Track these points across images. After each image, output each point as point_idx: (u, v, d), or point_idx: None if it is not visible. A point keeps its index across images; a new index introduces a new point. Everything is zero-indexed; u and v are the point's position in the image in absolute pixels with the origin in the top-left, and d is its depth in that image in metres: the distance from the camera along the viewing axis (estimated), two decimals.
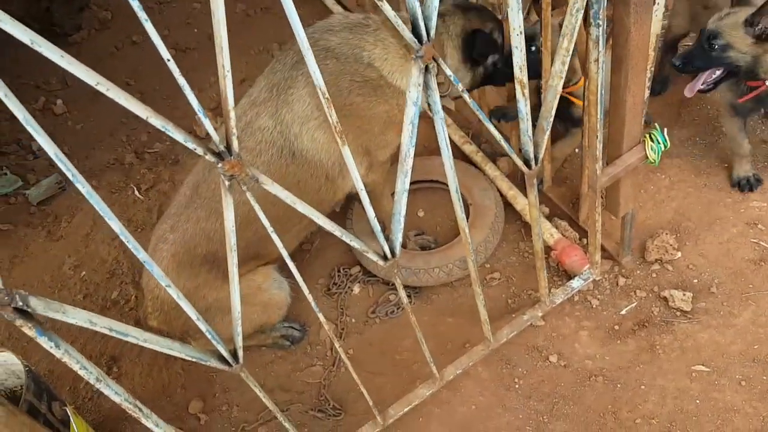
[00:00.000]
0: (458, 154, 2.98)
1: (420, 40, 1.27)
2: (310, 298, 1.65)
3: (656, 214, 2.63)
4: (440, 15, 2.24)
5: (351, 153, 2.19)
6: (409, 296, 2.67)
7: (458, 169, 2.88)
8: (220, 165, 1.19)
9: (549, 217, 2.73)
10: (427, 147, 2.95)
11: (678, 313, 2.36)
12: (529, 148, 1.67)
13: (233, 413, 2.47)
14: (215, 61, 1.12)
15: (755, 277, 2.37)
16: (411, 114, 1.40)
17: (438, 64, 1.33)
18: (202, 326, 1.39)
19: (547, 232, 2.60)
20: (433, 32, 1.27)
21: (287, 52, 2.14)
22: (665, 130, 1.96)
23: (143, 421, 1.44)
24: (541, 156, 1.69)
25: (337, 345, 1.80)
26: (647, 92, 1.86)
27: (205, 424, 2.45)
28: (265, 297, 2.37)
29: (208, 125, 1.13)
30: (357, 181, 1.40)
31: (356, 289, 2.74)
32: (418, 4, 1.22)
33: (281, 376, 2.53)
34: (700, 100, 2.95)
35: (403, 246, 2.76)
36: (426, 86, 1.37)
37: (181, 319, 2.17)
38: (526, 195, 1.95)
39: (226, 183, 1.23)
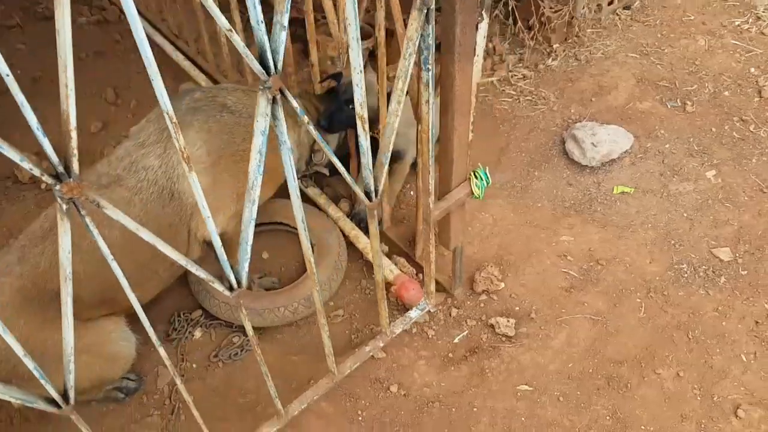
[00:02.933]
0: (303, 197, 3.03)
1: (268, 72, 1.32)
2: (154, 338, 1.58)
3: (482, 249, 2.88)
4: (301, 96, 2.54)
5: (225, 197, 2.30)
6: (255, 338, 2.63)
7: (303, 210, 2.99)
8: (57, 187, 1.14)
9: (388, 255, 2.87)
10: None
11: (503, 339, 2.58)
12: (370, 181, 1.77)
13: None
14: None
15: (567, 302, 2.67)
16: (258, 143, 1.44)
17: (284, 96, 1.39)
18: (29, 363, 1.28)
19: (387, 268, 2.73)
20: (280, 65, 1.33)
21: (180, 100, 2.28)
22: (487, 168, 2.19)
23: None
24: (381, 189, 1.80)
25: (179, 383, 1.73)
26: (471, 134, 2.07)
27: None
28: (114, 349, 2.24)
29: (46, 145, 1.08)
30: (208, 221, 1.40)
31: (197, 333, 2.66)
32: (266, 37, 1.28)
33: (115, 430, 2.35)
34: (516, 148, 3.32)
35: (248, 288, 2.74)
36: (273, 117, 1.42)
37: (10, 363, 1.97)
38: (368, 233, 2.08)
39: (63, 207, 1.17)
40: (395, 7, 2.05)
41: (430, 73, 1.68)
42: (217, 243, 1.52)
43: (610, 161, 3.16)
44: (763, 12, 3.97)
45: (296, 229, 2.87)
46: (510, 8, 3.73)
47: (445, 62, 1.81)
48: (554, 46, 3.82)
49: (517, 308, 2.68)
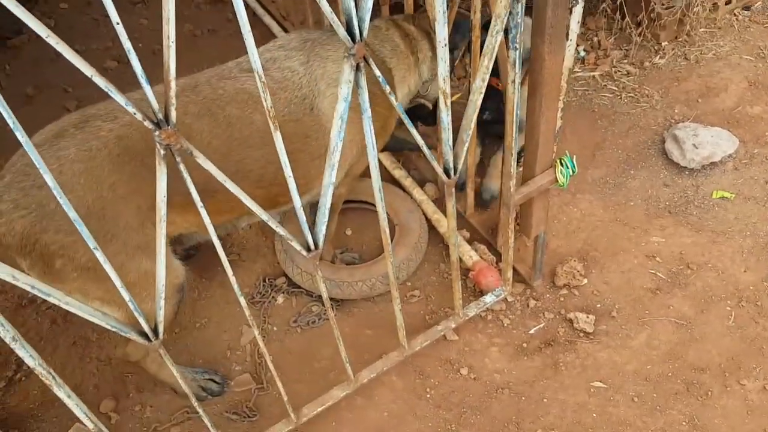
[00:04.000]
0: (388, 178, 3.12)
1: (353, 39, 1.39)
2: (241, 298, 1.70)
3: (567, 243, 2.83)
4: (410, 22, 2.46)
5: (352, 140, 2.19)
6: (331, 308, 2.73)
7: (387, 191, 3.06)
8: (156, 133, 1.26)
9: (469, 242, 2.88)
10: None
11: (581, 334, 2.53)
12: (449, 158, 1.81)
13: (146, 413, 2.44)
14: (157, 74, 1.20)
15: (651, 304, 2.58)
16: (341, 109, 1.51)
17: (368, 64, 1.45)
18: (125, 295, 1.42)
19: (466, 254, 2.75)
20: (366, 33, 1.39)
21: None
22: (575, 157, 2.16)
23: (55, 389, 1.44)
24: (459, 166, 1.83)
25: (261, 344, 1.85)
26: (560, 120, 2.05)
27: (116, 424, 2.41)
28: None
29: (149, 92, 1.20)
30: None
31: (280, 299, 2.79)
32: (353, 4, 1.35)
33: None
34: (612, 144, 3.23)
35: (332, 261, 2.86)
36: (357, 84, 1.48)
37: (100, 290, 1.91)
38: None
39: (161, 152, 1.29)
40: None
41: (518, 52, 1.69)
42: (298, 204, 1.60)
43: (711, 164, 3.00)
44: None
45: None
46: (618, 3, 3.61)
47: (535, 44, 1.81)
48: (663, 43, 3.67)
49: (599, 305, 2.62)
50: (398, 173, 3.13)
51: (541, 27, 1.74)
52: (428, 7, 2.44)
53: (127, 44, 1.13)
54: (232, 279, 1.67)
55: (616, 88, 3.53)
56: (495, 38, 1.63)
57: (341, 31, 1.37)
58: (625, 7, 3.65)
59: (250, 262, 2.90)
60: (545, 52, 1.79)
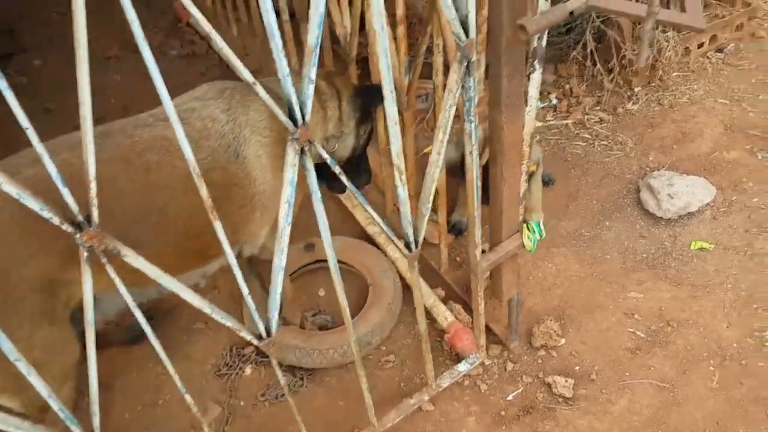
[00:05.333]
0: (362, 234, 3.04)
1: (295, 123, 1.32)
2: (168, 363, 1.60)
3: (543, 300, 2.75)
4: (323, 78, 2.39)
5: (277, 194, 2.14)
6: (302, 378, 2.63)
7: (360, 249, 2.98)
8: (78, 236, 1.17)
9: (445, 300, 2.79)
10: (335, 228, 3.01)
11: (560, 399, 2.42)
12: (409, 231, 1.73)
13: None
14: None
15: (631, 365, 2.49)
16: (287, 193, 1.43)
17: (313, 146, 1.38)
18: (41, 388, 1.31)
19: (441, 315, 2.65)
20: (308, 117, 1.33)
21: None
22: (541, 221, 2.09)
23: None
24: (420, 239, 1.76)
25: None
26: (524, 184, 1.98)
27: None
28: None
29: (66, 195, 1.12)
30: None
31: (248, 370, 2.67)
32: (293, 89, 1.28)
33: None
34: (586, 195, 3.17)
35: (301, 326, 2.75)
36: (303, 167, 1.41)
37: None
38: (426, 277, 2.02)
39: (84, 254, 1.21)
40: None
41: (473, 125, 1.63)
42: (245, 291, 1.52)
43: (689, 214, 2.94)
44: None
45: (352, 267, 2.91)
46: (589, 50, 3.61)
47: (492, 114, 1.75)
48: (635, 89, 3.65)
49: (577, 368, 2.52)
50: (372, 229, 3.05)
51: (496, 97, 1.69)
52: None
53: (39, 147, 1.05)
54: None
55: (589, 136, 3.49)
56: (448, 112, 1.56)
57: (282, 117, 1.31)
58: (596, 54, 3.65)
59: (216, 330, 2.79)
60: (503, 121, 1.73)
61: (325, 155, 1.44)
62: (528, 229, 2.06)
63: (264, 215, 2.23)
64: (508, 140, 1.79)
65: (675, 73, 3.70)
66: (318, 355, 2.58)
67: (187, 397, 1.62)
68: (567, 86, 3.78)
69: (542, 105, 3.73)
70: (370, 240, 3.03)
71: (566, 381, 2.46)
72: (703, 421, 2.29)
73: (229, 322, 1.52)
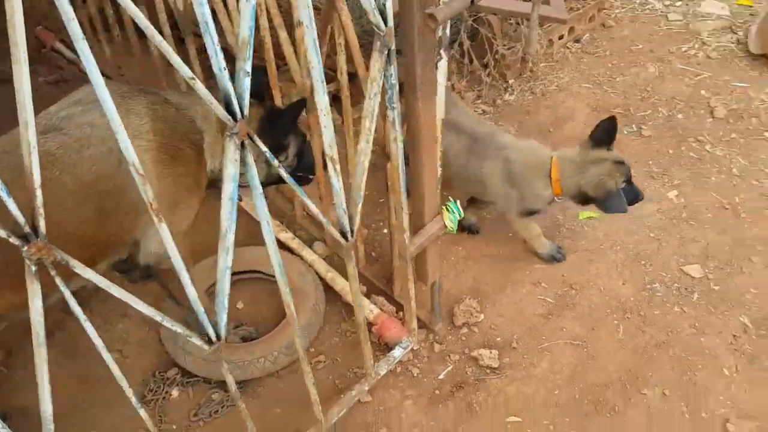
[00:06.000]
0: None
1: (234, 118, 1.33)
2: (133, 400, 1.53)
3: (458, 282, 2.89)
4: None
5: (162, 198, 2.00)
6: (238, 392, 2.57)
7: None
8: (25, 249, 1.11)
9: (367, 295, 2.85)
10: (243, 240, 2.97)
11: (488, 371, 2.56)
12: (345, 221, 1.78)
13: None
14: None
15: (546, 329, 2.68)
16: (229, 190, 1.43)
17: (253, 141, 1.40)
18: None
19: (366, 308, 2.71)
20: (246, 110, 1.34)
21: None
22: (458, 201, 2.21)
23: None
24: (356, 228, 1.81)
25: None
26: (440, 169, 2.10)
27: None
28: None
29: (11, 205, 1.06)
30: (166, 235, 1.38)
31: (175, 392, 2.57)
32: (230, 83, 1.29)
33: None
34: None
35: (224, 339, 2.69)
36: (243, 162, 1.42)
37: None
38: (344, 274, 2.07)
39: (32, 269, 1.14)
40: (356, 50, 2.10)
41: (396, 111, 1.71)
42: (192, 294, 1.49)
43: None
44: (708, 37, 4.16)
45: (270, 275, 2.89)
46: (465, 48, 3.84)
47: (409, 101, 1.84)
48: (510, 81, 3.93)
49: (499, 339, 2.68)
50: (284, 236, 3.05)
51: (413, 85, 1.78)
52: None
53: None
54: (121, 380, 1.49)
55: None
56: (373, 100, 1.64)
57: (221, 112, 1.31)
58: (471, 52, 3.89)
59: (135, 357, 2.67)
60: (420, 108, 1.83)
61: (264, 149, 1.45)
62: (447, 210, 2.18)
63: (151, 222, 2.16)
64: (425, 126, 1.89)
65: (543, 64, 4.04)
66: (248, 365, 2.55)
67: None
68: (449, 83, 3.98)
69: None
70: (282, 247, 3.03)
71: (491, 353, 2.60)
72: (617, 371, 2.52)
73: (179, 328, 1.48)
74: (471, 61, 3.94)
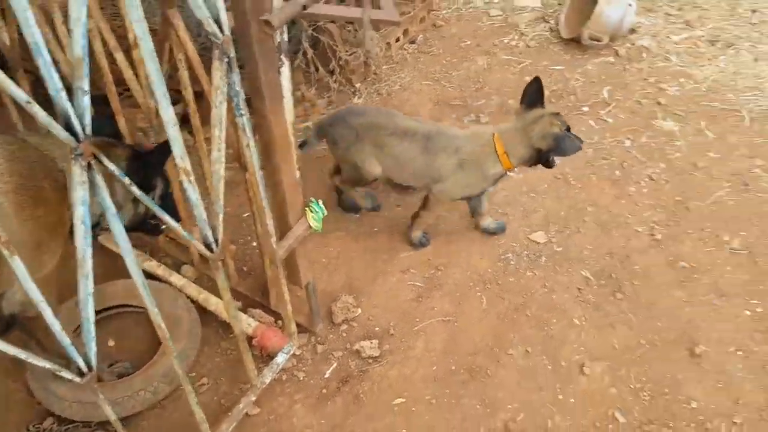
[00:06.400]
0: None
1: (77, 138, 1.31)
2: None
3: (332, 281, 2.97)
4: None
5: (23, 242, 1.93)
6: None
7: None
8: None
9: (243, 310, 2.84)
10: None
11: (370, 360, 2.67)
12: (208, 233, 1.79)
13: None
14: None
15: (418, 311, 2.84)
16: (80, 214, 1.40)
17: (100, 161, 1.38)
18: None
19: (244, 322, 2.71)
20: (88, 129, 1.32)
21: None
22: (321, 201, 2.30)
23: None
24: (220, 238, 1.82)
25: None
26: (298, 172, 2.17)
27: None
28: None
29: None
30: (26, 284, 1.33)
31: None
32: (69, 103, 1.27)
33: None
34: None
35: (99, 380, 2.57)
36: (92, 184, 1.40)
37: None
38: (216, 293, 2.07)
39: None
40: (197, 64, 2.11)
41: (245, 117, 1.76)
42: (56, 327, 1.44)
43: None
44: (525, 28, 4.59)
45: (139, 308, 2.80)
46: (309, 57, 3.94)
47: (257, 107, 1.90)
48: (357, 85, 4.09)
49: (377, 329, 2.79)
50: (149, 264, 2.97)
51: (259, 92, 1.84)
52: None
53: None
54: None
55: None
56: (219, 108, 1.67)
57: (62, 134, 1.29)
58: (316, 60, 4.00)
59: (2, 413, 2.47)
60: (269, 113, 1.89)
61: (113, 167, 1.44)
62: (310, 210, 2.25)
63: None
64: (277, 130, 1.95)
65: (385, 66, 4.24)
66: (129, 400, 2.46)
67: None
68: (299, 93, 4.06)
69: None
70: (150, 276, 2.94)
71: (371, 343, 2.71)
72: (485, 338, 2.72)
73: (47, 364, 1.43)
74: (317, 69, 4.05)
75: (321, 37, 3.94)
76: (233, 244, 3.11)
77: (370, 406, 2.52)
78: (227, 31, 1.57)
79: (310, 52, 3.93)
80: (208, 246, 1.82)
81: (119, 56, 2.34)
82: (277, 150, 1.98)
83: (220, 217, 1.81)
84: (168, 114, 1.51)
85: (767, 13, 4.56)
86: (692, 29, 4.44)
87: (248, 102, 1.84)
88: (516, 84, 4.09)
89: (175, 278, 2.91)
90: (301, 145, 3.13)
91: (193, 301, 2.83)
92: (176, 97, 3.43)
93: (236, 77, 1.67)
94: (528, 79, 4.07)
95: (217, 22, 1.54)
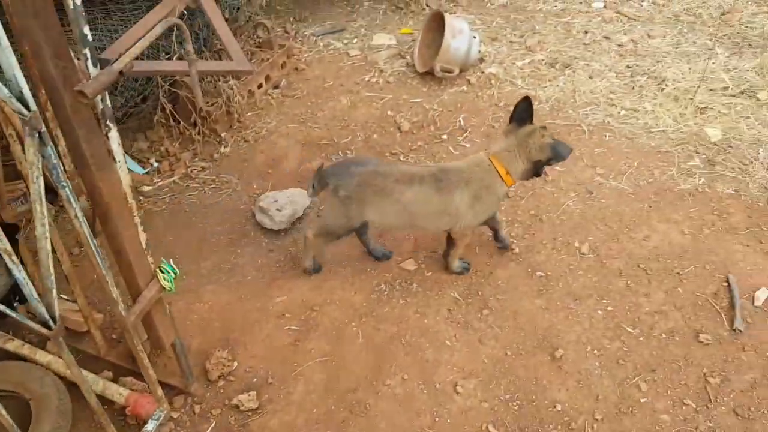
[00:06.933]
0: (3, 355, 2.79)
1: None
2: None
3: (206, 337, 2.94)
4: None
5: None
6: None
7: (9, 369, 2.74)
8: None
9: (115, 379, 2.75)
10: None
11: (250, 413, 2.65)
12: (43, 311, 1.74)
13: None
14: None
15: (296, 355, 2.85)
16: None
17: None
18: None
19: (116, 393, 2.63)
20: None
21: None
22: (171, 260, 2.28)
23: None
24: (56, 314, 1.78)
25: None
26: (143, 234, 2.15)
27: None
28: None
29: None
30: None
31: None
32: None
33: None
34: (213, 234, 3.46)
35: None
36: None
37: None
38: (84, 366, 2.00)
39: None
40: None
41: (67, 189, 1.73)
42: None
43: (298, 219, 3.48)
44: (384, 65, 4.78)
45: (6, 391, 2.64)
46: (168, 111, 3.91)
47: (85, 176, 1.88)
48: (222, 134, 4.10)
49: (255, 379, 2.78)
50: (12, 345, 2.82)
51: (83, 161, 1.82)
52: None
53: None
54: None
55: (198, 185, 3.81)
56: (37, 183, 1.64)
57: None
58: (176, 114, 3.98)
59: None
60: (97, 180, 1.87)
61: None
62: (162, 271, 2.23)
63: None
64: (110, 196, 1.93)
65: (249, 113, 4.28)
66: None
67: None
68: (162, 148, 4.03)
69: (145, 171, 3.90)
70: (14, 357, 2.80)
71: (249, 395, 2.69)
72: (363, 371, 2.77)
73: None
74: (178, 123, 4.03)
75: (179, 92, 3.93)
76: (100, 312, 3.01)
77: None
78: (33, 107, 1.56)
79: (168, 107, 3.91)
80: (44, 323, 1.77)
81: None
82: (114, 216, 1.96)
83: (53, 292, 1.77)
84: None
85: (598, 33, 5.00)
86: (534, 54, 4.79)
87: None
88: (380, 119, 4.24)
89: (41, 355, 2.78)
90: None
91: (61, 378, 2.70)
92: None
93: (51, 150, 1.65)
94: (390, 113, 4.30)
95: (21, 100, 1.53)
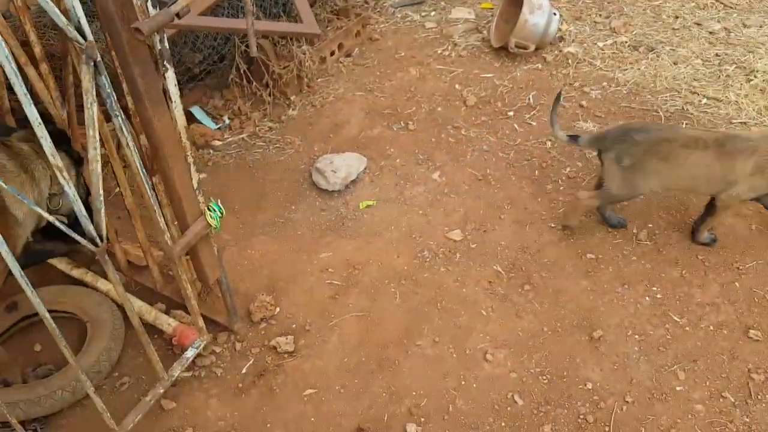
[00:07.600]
0: (68, 280, 3.05)
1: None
2: None
3: (254, 282, 3.08)
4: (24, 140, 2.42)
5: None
6: (35, 430, 2.57)
7: (71, 292, 2.99)
8: None
9: (167, 312, 2.95)
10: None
11: (286, 355, 2.77)
12: (90, 228, 1.90)
13: None
14: None
15: (334, 308, 2.95)
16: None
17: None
18: None
19: (165, 323, 2.82)
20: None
21: None
22: (219, 200, 2.41)
23: None
24: (104, 233, 1.94)
25: None
26: (196, 174, 2.28)
27: None
28: None
29: None
30: None
31: None
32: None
33: None
34: (272, 190, 3.61)
35: (24, 382, 2.66)
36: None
37: None
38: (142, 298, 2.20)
39: None
40: None
41: (120, 118, 1.88)
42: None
43: (352, 182, 3.57)
44: (458, 39, 4.75)
45: (65, 313, 2.90)
46: (242, 71, 4.08)
47: (140, 111, 2.02)
48: (291, 98, 4.23)
49: (294, 325, 2.90)
50: (77, 272, 3.08)
51: (138, 96, 1.96)
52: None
53: None
54: None
55: (264, 144, 3.96)
56: (91, 109, 1.79)
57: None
58: (250, 75, 4.14)
59: None
60: (151, 116, 2.01)
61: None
62: (209, 209, 2.37)
63: None
64: (163, 133, 2.07)
65: (319, 79, 4.39)
66: (46, 400, 2.55)
67: None
68: (235, 107, 4.21)
69: (217, 126, 4.10)
70: (77, 283, 3.06)
71: (287, 339, 2.82)
72: (396, 330, 2.83)
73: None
74: (251, 84, 4.19)
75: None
76: (161, 251, 3.22)
77: (282, 398, 2.62)
78: (90, 37, 1.70)
79: (243, 67, 4.07)
80: (92, 240, 1.93)
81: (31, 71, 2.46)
82: (166, 150, 2.10)
83: (102, 212, 1.93)
84: (32, 113, 1.63)
85: (689, 19, 4.75)
86: (617, 35, 4.61)
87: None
88: (446, 92, 4.24)
89: (102, 283, 3.02)
90: (573, 137, 3.14)
91: (118, 306, 2.93)
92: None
93: (105, 80, 1.79)
94: (458, 86, 4.29)
95: (78, 29, 1.67)
